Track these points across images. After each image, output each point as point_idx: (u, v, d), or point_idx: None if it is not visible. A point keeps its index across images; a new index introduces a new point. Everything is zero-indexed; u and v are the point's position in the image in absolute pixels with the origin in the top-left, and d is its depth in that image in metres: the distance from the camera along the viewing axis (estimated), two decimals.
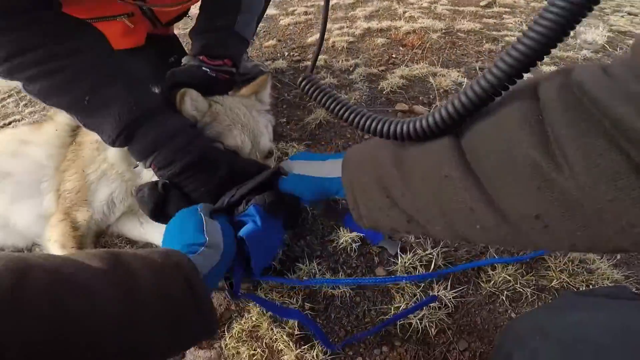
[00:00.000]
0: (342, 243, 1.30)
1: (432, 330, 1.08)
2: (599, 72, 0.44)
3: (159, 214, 1.11)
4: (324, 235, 1.34)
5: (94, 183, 1.31)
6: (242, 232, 1.00)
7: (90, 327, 0.57)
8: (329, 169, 0.96)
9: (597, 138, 0.42)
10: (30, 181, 1.37)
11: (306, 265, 1.24)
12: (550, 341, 0.74)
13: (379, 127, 0.72)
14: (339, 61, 2.53)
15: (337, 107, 0.80)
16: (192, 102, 1.20)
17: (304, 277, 1.22)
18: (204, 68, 1.37)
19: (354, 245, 1.29)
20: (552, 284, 1.18)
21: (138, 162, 1.15)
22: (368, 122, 0.74)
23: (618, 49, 2.89)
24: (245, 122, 1.27)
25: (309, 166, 1.01)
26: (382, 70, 2.40)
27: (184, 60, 1.46)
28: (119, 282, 0.65)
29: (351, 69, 2.42)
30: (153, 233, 1.39)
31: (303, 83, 0.85)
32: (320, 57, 2.55)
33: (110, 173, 1.30)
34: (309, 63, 2.45)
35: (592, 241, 0.48)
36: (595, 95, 0.43)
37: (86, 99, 1.04)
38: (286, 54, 2.75)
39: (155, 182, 1.10)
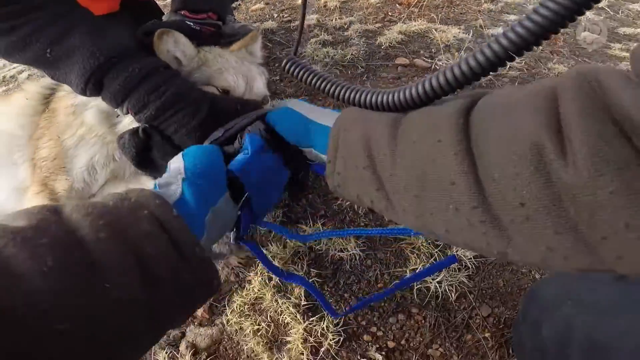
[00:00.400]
0: (347, 200, 1.14)
1: (452, 294, 0.95)
2: (616, 71, 0.41)
3: (143, 160, 0.97)
4: (327, 193, 1.18)
5: (71, 149, 1.14)
6: (231, 165, 0.83)
7: (20, 306, 0.40)
8: (322, 115, 0.81)
9: (608, 126, 0.37)
10: (1, 153, 1.21)
11: (310, 227, 1.10)
12: (583, 307, 0.69)
13: (368, 98, 0.66)
14: (332, 20, 2.32)
15: (324, 84, 0.76)
16: (174, 42, 1.03)
17: (315, 241, 1.08)
18: (187, 22, 1.20)
19: None
20: None
21: (117, 111, 1.02)
22: (359, 95, 0.68)
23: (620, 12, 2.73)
24: (237, 66, 1.10)
25: (302, 107, 0.85)
26: (379, 27, 2.21)
27: (164, 17, 1.29)
28: (54, 240, 0.46)
29: (346, 27, 2.23)
30: None
31: (287, 65, 0.81)
32: (312, 16, 2.35)
33: (89, 137, 1.13)
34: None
35: (571, 249, 0.42)
36: (606, 84, 0.39)
37: (48, 51, 0.94)
38: (275, 15, 2.53)
39: (136, 128, 0.96)
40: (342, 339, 0.97)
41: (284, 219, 1.13)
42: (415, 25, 2.14)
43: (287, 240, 1.09)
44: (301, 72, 0.79)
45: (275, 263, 1.06)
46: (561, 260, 0.43)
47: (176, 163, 0.73)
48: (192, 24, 1.18)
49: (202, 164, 0.73)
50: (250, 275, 1.08)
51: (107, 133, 1.14)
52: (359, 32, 2.11)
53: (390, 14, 2.43)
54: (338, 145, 0.68)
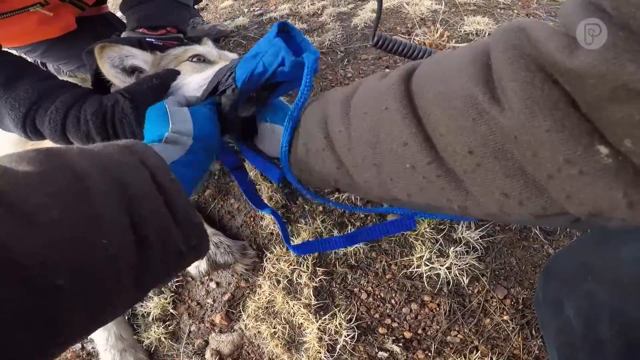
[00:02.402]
0: (345, 194, 0.97)
1: (464, 279, 0.80)
2: (542, 23, 0.38)
3: None
4: (323, 188, 1.00)
5: None
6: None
7: (24, 258, 0.33)
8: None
9: (535, 72, 0.35)
10: None
11: (309, 225, 0.93)
12: (606, 283, 0.58)
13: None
14: (304, 7, 2.06)
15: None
16: (121, 54, 0.85)
17: (310, 239, 0.91)
18: (147, 39, 1.01)
19: None
20: None
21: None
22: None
23: None
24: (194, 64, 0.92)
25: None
26: (352, 8, 1.95)
27: (122, 35, 1.10)
28: (60, 189, 0.39)
29: (319, 12, 1.97)
30: None
31: (379, 42, 0.83)
32: (284, 5, 2.10)
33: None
34: (272, 15, 2.00)
35: (524, 192, 0.39)
36: (533, 35, 0.36)
37: None
38: (246, 10, 2.25)
39: None
40: (357, 334, 0.82)
41: (284, 219, 0.96)
42: (388, 1, 1.89)
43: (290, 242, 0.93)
44: (390, 46, 0.82)
45: (281, 265, 0.90)
46: (517, 207, 0.40)
47: (185, 123, 0.63)
48: (153, 40, 0.99)
49: (207, 130, 0.65)
50: (259, 280, 0.93)
51: None
52: (333, 16, 1.86)
53: None
54: (299, 133, 0.62)
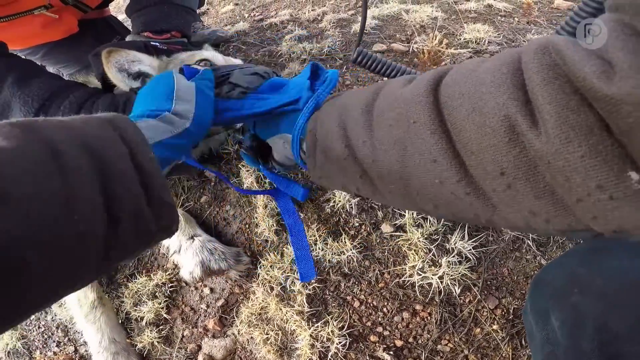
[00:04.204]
0: (339, 201, 0.99)
1: (456, 288, 0.82)
2: (575, 41, 0.38)
3: None
4: (320, 196, 1.03)
5: None
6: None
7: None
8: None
9: (571, 95, 0.36)
10: None
11: (306, 232, 0.95)
12: (591, 294, 0.60)
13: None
14: (304, 12, 2.09)
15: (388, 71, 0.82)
16: (127, 58, 0.88)
17: (310, 248, 0.94)
18: (152, 42, 1.05)
19: (353, 201, 0.98)
20: None
21: None
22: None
23: None
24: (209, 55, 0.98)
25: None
26: (352, 15, 1.98)
27: (127, 39, 1.14)
28: (35, 165, 0.39)
29: (319, 18, 2.00)
30: None
31: (359, 58, 0.84)
32: (284, 11, 2.13)
33: None
34: (272, 20, 2.03)
35: (551, 212, 0.41)
36: (568, 56, 0.36)
37: None
38: (246, 15, 2.28)
39: None
40: (348, 341, 0.85)
41: (278, 227, 0.99)
42: (387, 9, 1.92)
43: (285, 249, 0.96)
44: (369, 63, 0.83)
45: (275, 272, 0.93)
46: (544, 224, 0.41)
47: (188, 104, 0.65)
48: (158, 44, 1.03)
49: (206, 118, 0.67)
50: (253, 286, 0.96)
51: None
52: (333, 22, 1.89)
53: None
54: (316, 139, 0.63)
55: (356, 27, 1.79)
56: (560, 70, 0.37)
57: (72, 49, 1.46)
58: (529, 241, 0.86)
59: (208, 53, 1.03)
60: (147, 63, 0.91)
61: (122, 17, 2.27)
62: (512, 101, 0.40)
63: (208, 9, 2.52)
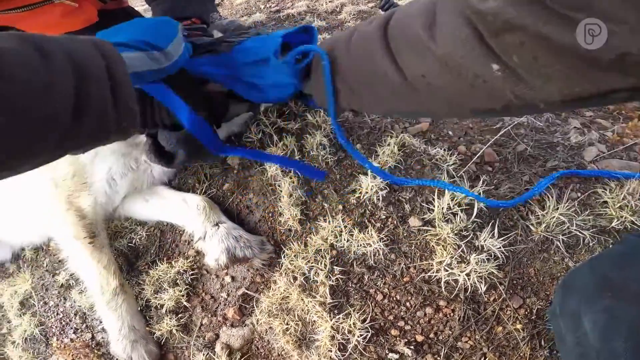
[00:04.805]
0: (365, 193, 0.98)
1: (482, 286, 0.82)
2: None
3: (162, 156, 0.95)
4: (344, 186, 1.03)
5: (87, 164, 1.03)
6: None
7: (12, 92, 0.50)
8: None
9: (458, 16, 0.55)
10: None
11: (329, 223, 0.96)
12: (624, 298, 0.63)
13: None
14: (322, 4, 2.09)
15: None
16: None
17: (329, 237, 0.95)
18: None
19: (380, 193, 0.97)
20: (613, 224, 0.87)
21: None
22: None
23: None
24: None
25: None
26: (373, 7, 1.97)
27: None
28: (28, 59, 0.54)
29: (338, 10, 2.00)
30: (161, 210, 1.13)
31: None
32: (301, 2, 2.13)
33: (103, 150, 1.02)
34: (289, 11, 2.03)
35: (461, 97, 0.64)
36: None
37: None
38: (262, 7, 2.29)
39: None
40: (369, 334, 0.85)
41: (302, 217, 1.00)
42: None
43: (308, 239, 0.97)
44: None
45: (299, 262, 0.94)
46: (470, 110, 0.69)
47: (176, 50, 0.79)
48: None
49: (179, 63, 0.81)
50: (275, 276, 0.97)
51: (121, 146, 1.03)
52: (353, 14, 1.89)
53: None
54: (342, 62, 0.80)
55: None
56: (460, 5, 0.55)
57: None
58: (558, 242, 0.86)
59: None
60: None
61: (142, 7, 2.30)
62: (422, 26, 0.61)
63: (222, 1, 2.53)
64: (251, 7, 2.30)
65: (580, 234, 0.86)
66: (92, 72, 0.59)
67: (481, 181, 0.94)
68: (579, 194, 0.94)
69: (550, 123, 1.18)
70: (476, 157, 1.03)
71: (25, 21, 1.26)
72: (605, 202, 0.91)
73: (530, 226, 0.89)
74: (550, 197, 0.91)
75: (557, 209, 0.88)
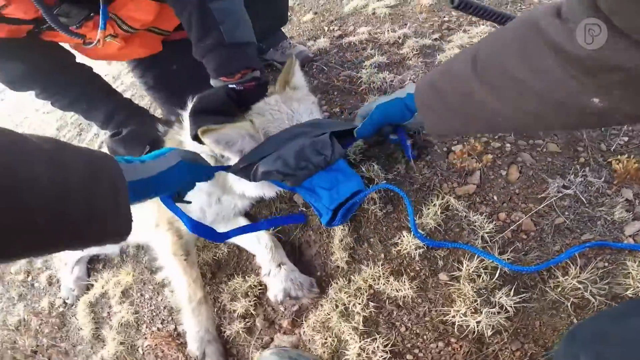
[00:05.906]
0: (405, 247, 1.20)
1: (488, 332, 1.02)
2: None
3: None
4: (388, 238, 1.26)
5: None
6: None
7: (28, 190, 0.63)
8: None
9: (554, 59, 0.62)
10: None
11: (370, 268, 1.20)
12: (613, 345, 0.73)
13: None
14: (384, 32, 2.09)
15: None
16: (216, 139, 1.10)
17: (369, 279, 1.19)
18: (229, 86, 1.23)
19: (418, 250, 1.17)
20: (627, 292, 0.98)
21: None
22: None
23: None
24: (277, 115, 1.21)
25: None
26: (436, 39, 1.96)
27: (211, 82, 1.36)
28: (58, 164, 0.70)
29: (400, 41, 2.00)
30: (239, 240, 1.42)
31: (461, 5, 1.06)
32: (362, 29, 2.20)
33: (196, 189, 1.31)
34: (351, 38, 2.13)
35: (555, 121, 0.73)
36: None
37: (84, 108, 1.70)
38: (326, 28, 2.39)
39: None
40: (388, 356, 1.08)
41: (349, 259, 1.25)
42: (477, 34, 1.88)
43: (352, 277, 1.22)
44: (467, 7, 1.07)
45: (342, 295, 1.19)
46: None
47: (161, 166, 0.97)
48: (235, 86, 1.22)
49: (172, 179, 1.00)
50: (322, 301, 1.23)
51: (208, 186, 1.31)
52: (416, 50, 1.89)
53: (447, 18, 2.14)
54: (428, 96, 0.97)
55: (442, 57, 1.80)
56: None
57: (155, 65, 1.88)
58: (567, 304, 1.01)
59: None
60: (239, 141, 1.14)
61: None
62: (518, 57, 0.71)
63: (290, 17, 2.65)
64: (316, 29, 2.44)
65: (591, 299, 1.00)
66: (101, 190, 0.77)
67: (512, 248, 1.11)
68: (607, 264, 1.06)
69: (599, 194, 1.20)
70: (514, 225, 1.16)
71: (90, 53, 1.66)
72: (629, 273, 1.01)
73: (547, 289, 1.05)
74: (574, 265, 1.04)
75: (578, 276, 1.01)
